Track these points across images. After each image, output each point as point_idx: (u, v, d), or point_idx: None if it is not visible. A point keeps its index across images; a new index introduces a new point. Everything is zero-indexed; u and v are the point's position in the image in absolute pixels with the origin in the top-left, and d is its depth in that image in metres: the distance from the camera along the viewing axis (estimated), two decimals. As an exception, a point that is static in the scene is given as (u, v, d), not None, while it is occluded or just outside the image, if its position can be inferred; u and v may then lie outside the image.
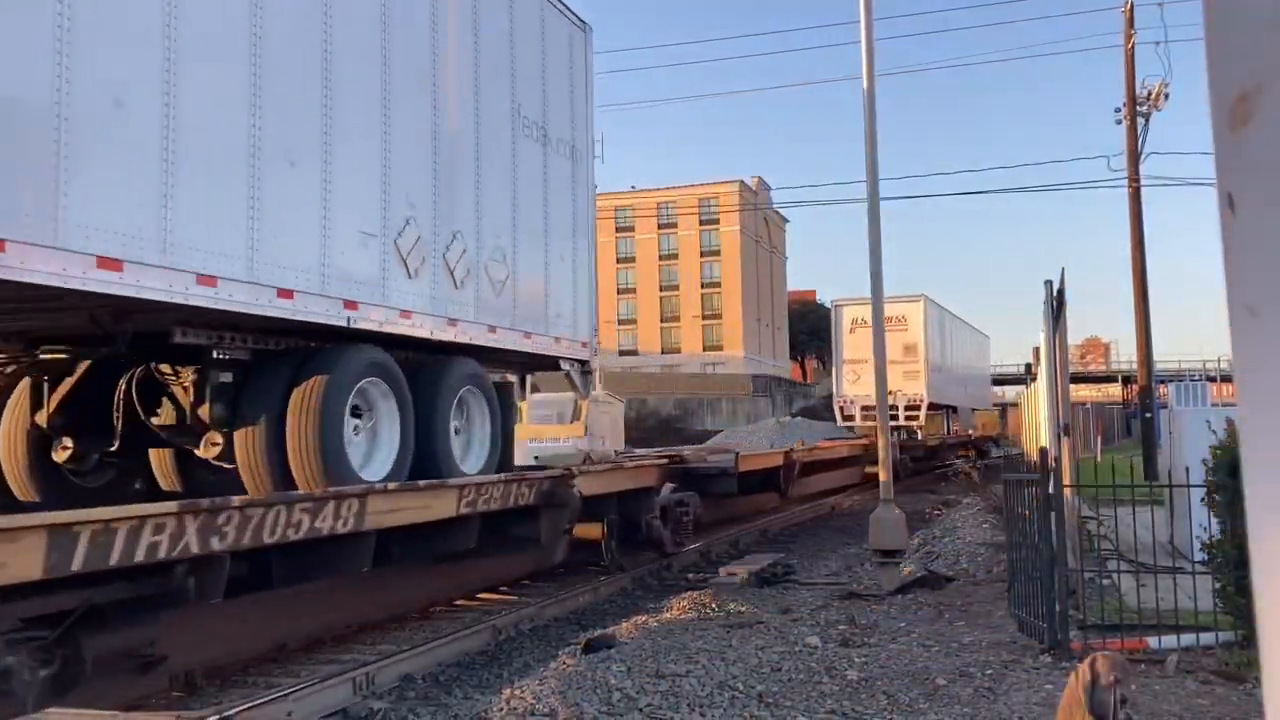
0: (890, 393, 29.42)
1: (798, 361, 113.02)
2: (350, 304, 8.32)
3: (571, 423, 29.99)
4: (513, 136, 10.93)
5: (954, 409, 36.54)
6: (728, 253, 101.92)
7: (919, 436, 31.44)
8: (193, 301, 6.84)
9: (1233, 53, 0.87)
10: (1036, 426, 12.21)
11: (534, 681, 7.16)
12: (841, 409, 31.73)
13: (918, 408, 30.77)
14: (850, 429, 31.38)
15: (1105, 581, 9.82)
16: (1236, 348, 0.85)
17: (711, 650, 8.06)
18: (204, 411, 8.11)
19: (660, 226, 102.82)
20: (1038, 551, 8.12)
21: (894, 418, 28.24)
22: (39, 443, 8.59)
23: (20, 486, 8.66)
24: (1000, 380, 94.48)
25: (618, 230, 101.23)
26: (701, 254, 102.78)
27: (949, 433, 36.31)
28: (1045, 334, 10.19)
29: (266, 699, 6.63)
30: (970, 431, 40.60)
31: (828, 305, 46.17)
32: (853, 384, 31.05)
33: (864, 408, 30.21)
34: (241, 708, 6.27)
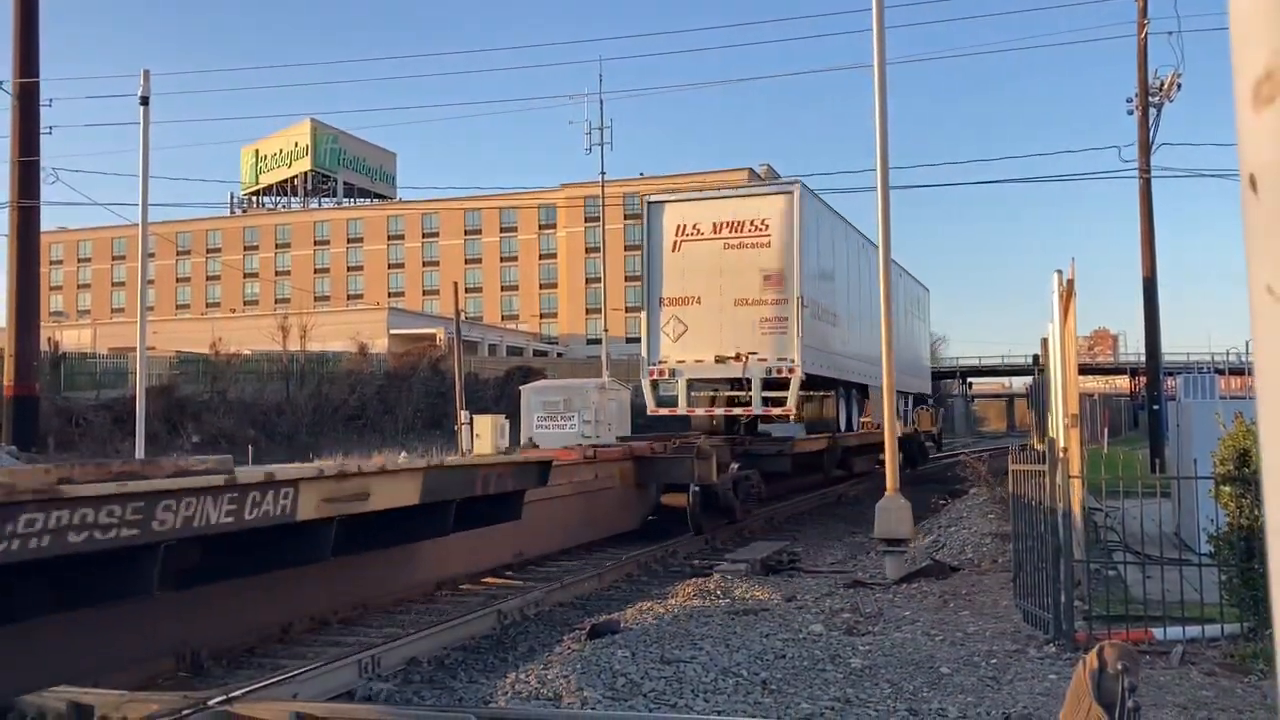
0: (734, 357, 17.87)
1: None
2: None
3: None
4: None
5: (862, 390, 22.98)
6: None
7: (790, 435, 19.30)
8: None
9: (1257, 32, 0.86)
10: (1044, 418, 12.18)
11: (539, 666, 7.19)
12: (656, 383, 18.99)
13: (784, 383, 17.89)
14: (686, 420, 19.79)
15: (1111, 573, 9.80)
16: (1256, 328, 0.84)
17: (716, 637, 8.08)
18: None
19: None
20: (1044, 542, 8.11)
21: (740, 400, 18.85)
22: None
23: None
24: (1009, 371, 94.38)
25: (626, 217, 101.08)
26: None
27: (848, 427, 22.55)
28: (1054, 325, 10.16)
29: (272, 680, 6.66)
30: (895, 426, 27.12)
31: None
32: (676, 340, 18.39)
33: (695, 382, 19.06)
34: (248, 688, 6.29)
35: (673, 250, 18.56)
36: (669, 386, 18.99)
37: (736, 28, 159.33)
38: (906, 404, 28.15)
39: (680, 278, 18.48)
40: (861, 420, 24.16)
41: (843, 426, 22.13)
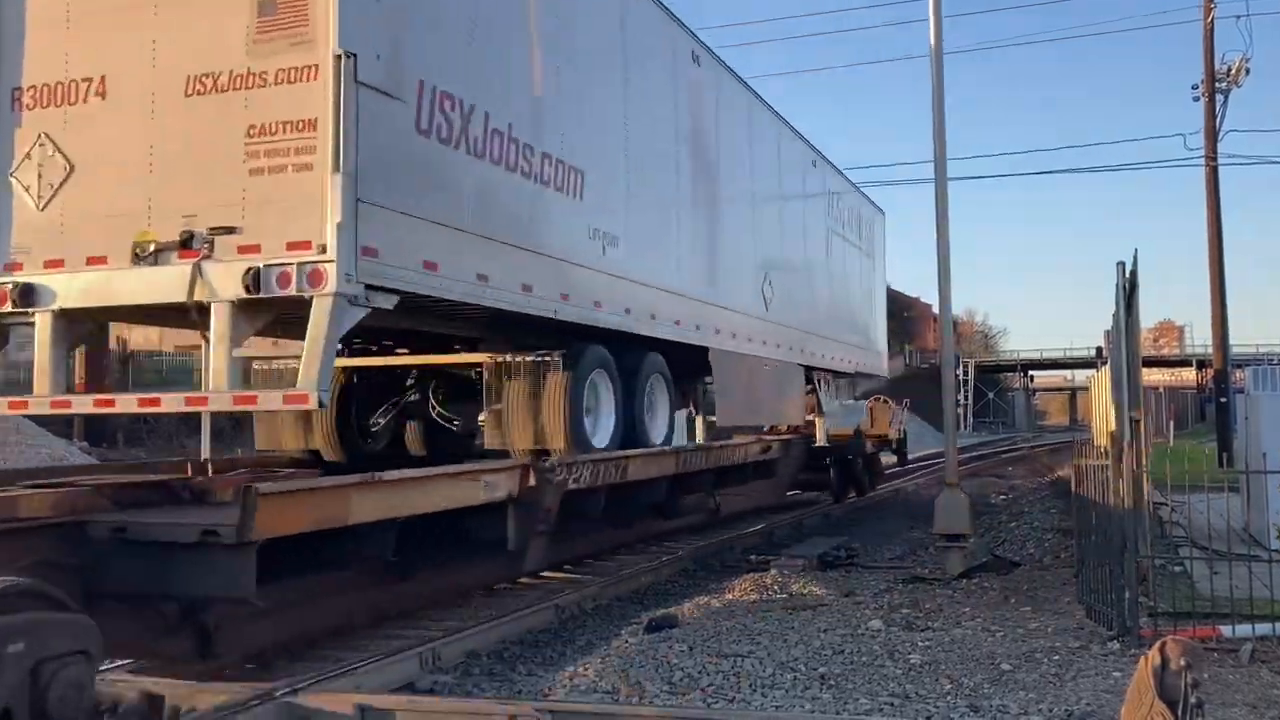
0: (179, 246, 6.75)
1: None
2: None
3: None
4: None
5: (694, 358, 11.95)
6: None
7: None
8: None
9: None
10: (1106, 411, 11.98)
11: (596, 659, 7.23)
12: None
13: (294, 312, 6.61)
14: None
15: (1177, 568, 9.62)
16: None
17: (773, 631, 8.07)
18: None
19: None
20: (1107, 537, 7.99)
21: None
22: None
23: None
24: (1070, 364, 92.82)
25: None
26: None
27: (628, 439, 10.57)
28: (1117, 316, 9.97)
29: (335, 673, 6.77)
30: (797, 426, 16.65)
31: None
32: (44, 207, 7.20)
33: (80, 314, 7.40)
34: (311, 680, 6.41)
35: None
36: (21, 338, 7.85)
37: (799, 18, 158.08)
38: (834, 389, 18.27)
39: (61, 28, 7.42)
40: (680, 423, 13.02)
41: (602, 438, 10.16)
